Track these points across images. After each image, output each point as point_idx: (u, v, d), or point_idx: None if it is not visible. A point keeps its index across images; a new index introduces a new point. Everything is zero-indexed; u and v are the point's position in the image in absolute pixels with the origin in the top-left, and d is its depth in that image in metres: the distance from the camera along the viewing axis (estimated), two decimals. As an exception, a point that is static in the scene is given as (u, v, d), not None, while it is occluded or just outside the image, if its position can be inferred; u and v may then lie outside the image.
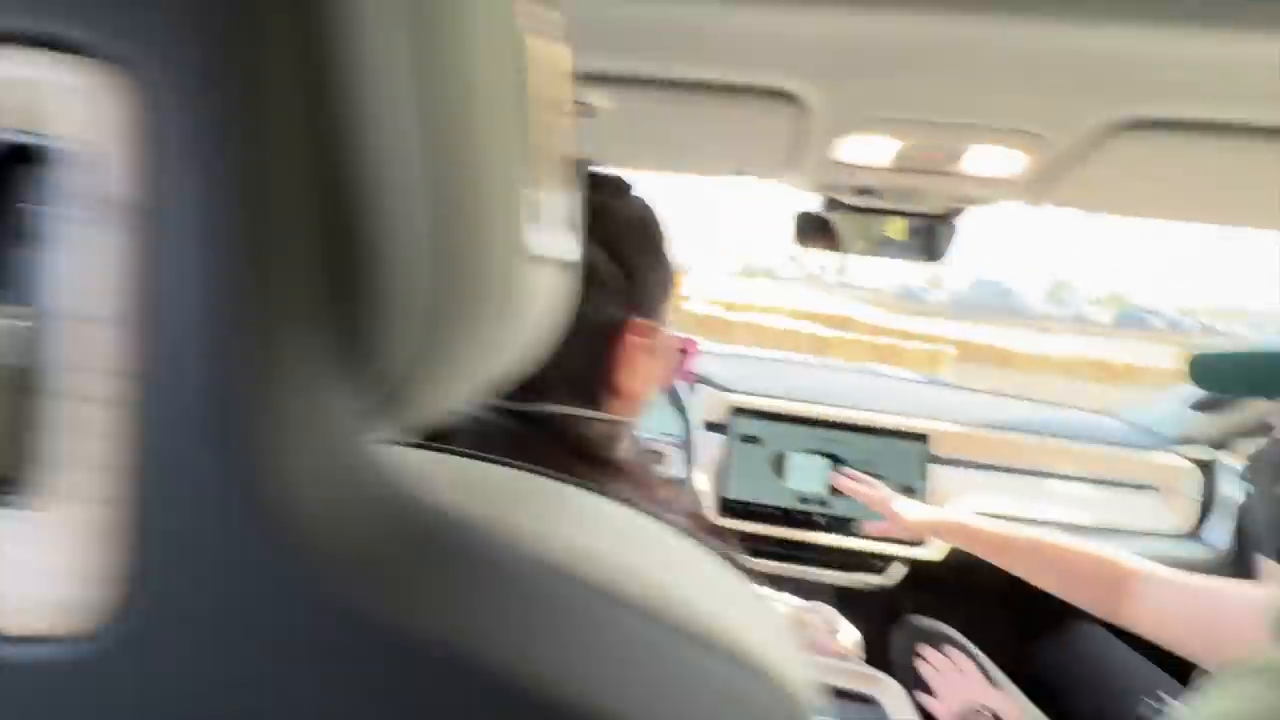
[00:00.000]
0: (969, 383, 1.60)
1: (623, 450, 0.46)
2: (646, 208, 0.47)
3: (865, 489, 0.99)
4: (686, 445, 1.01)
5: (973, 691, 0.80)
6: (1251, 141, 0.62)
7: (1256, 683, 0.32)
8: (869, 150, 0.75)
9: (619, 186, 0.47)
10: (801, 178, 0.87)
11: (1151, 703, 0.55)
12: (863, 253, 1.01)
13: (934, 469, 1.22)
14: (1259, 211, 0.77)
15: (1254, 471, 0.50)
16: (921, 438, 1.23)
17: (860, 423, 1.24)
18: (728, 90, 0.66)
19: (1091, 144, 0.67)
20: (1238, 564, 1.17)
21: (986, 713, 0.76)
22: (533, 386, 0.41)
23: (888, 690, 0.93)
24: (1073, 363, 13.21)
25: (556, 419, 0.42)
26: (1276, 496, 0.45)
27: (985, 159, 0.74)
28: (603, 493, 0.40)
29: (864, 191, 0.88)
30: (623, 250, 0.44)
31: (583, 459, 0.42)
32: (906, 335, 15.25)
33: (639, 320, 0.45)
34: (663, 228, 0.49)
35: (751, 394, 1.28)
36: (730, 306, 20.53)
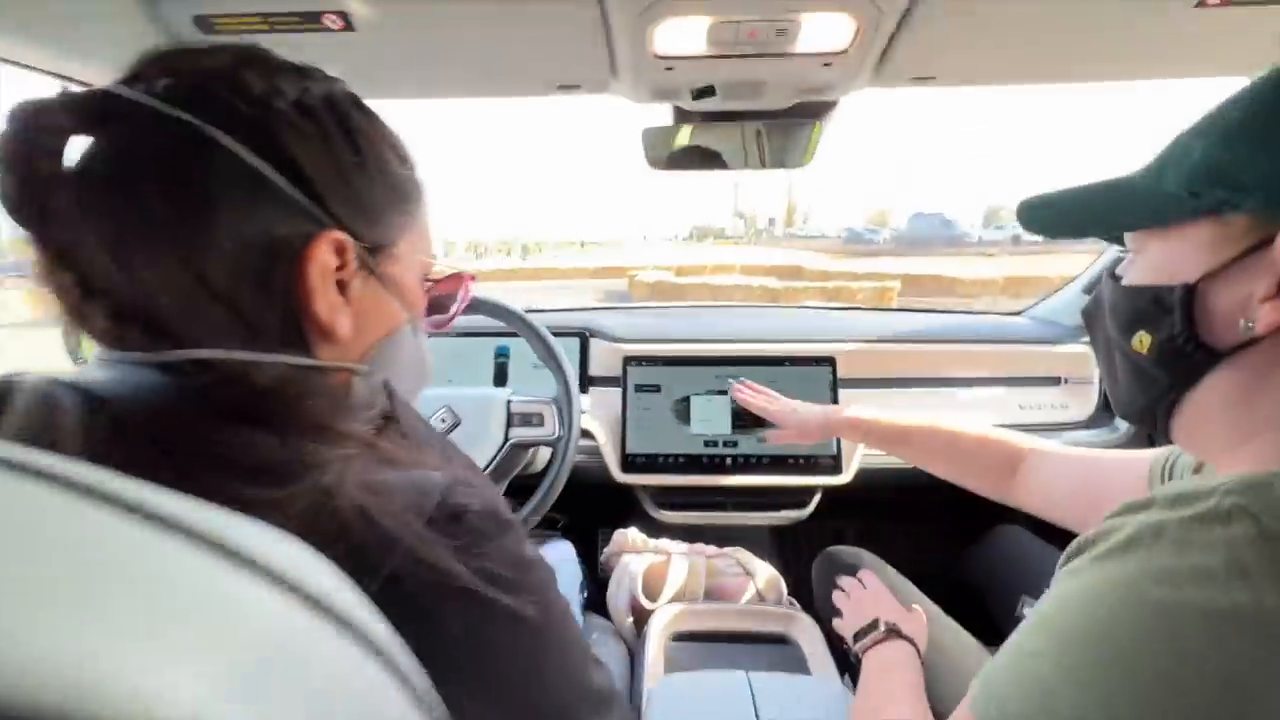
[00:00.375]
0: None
1: (347, 407, 0.36)
2: (335, 101, 0.37)
3: (764, 400, 0.95)
4: (566, 402, 0.92)
5: (876, 609, 0.75)
6: None
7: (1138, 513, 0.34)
8: (684, 36, 0.66)
9: (296, 73, 0.36)
10: (630, 86, 0.77)
11: (1031, 600, 0.51)
12: (721, 165, 0.93)
13: (844, 393, 1.17)
14: (1103, 65, 0.72)
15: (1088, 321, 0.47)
16: (829, 361, 1.17)
17: (763, 354, 1.18)
18: None
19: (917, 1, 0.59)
20: (1144, 442, 1.16)
21: (882, 625, 0.72)
22: (175, 327, 0.32)
23: (802, 628, 0.89)
24: (1011, 281, 13.69)
25: (213, 368, 0.32)
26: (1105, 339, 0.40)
27: (812, 34, 0.66)
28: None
29: (703, 93, 0.79)
30: (294, 152, 0.34)
31: (262, 419, 0.32)
32: (854, 276, 15.49)
33: (338, 237, 0.35)
34: (373, 126, 0.39)
35: (646, 340, 1.21)
36: (681, 271, 20.49)
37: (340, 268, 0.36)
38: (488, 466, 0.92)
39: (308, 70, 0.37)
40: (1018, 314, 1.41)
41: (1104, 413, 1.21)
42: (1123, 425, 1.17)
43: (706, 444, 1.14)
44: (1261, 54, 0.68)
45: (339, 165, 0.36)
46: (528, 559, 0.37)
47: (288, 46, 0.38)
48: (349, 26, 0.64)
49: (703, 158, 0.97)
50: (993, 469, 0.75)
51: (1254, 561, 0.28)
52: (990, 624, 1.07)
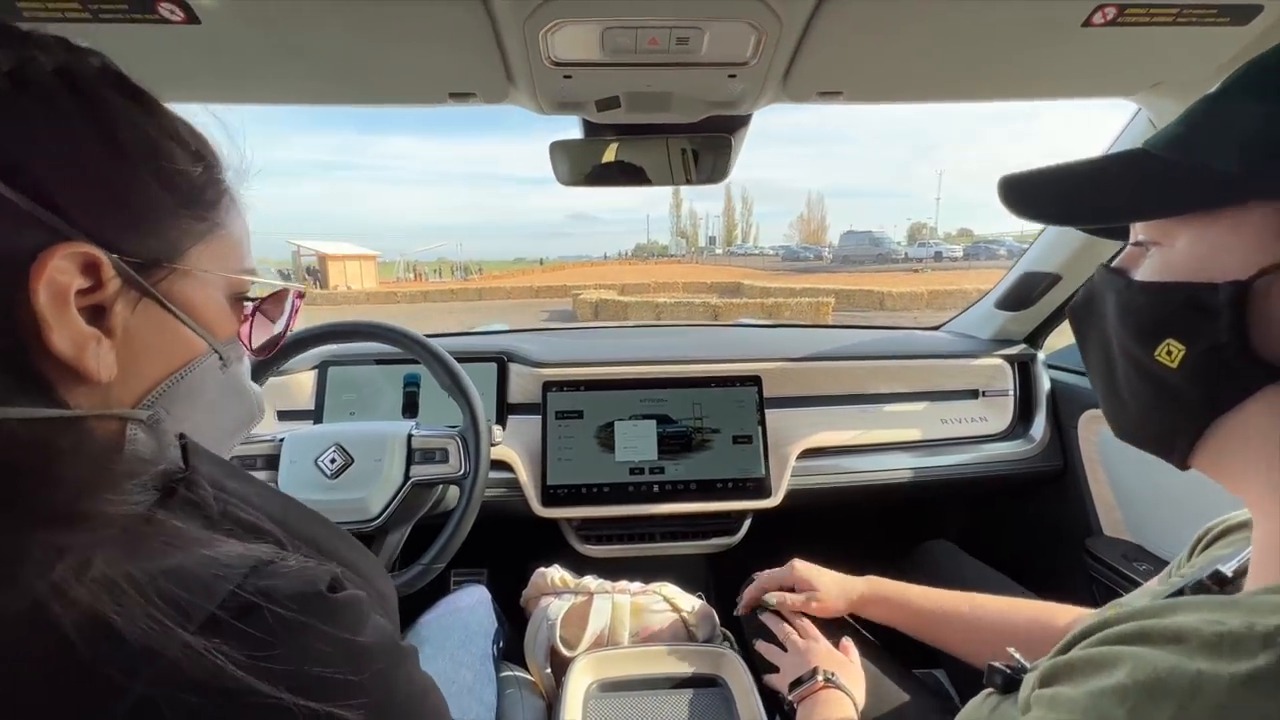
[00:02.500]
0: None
1: (114, 472, 0.28)
2: (80, 79, 0.29)
3: (793, 596, 0.84)
4: (473, 435, 0.85)
5: (819, 657, 0.72)
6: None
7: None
8: (578, 42, 0.62)
9: (26, 42, 0.29)
10: (529, 95, 0.72)
11: (1001, 666, 0.46)
12: (645, 181, 0.89)
13: (771, 413, 1.14)
14: (999, 85, 0.73)
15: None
16: (754, 380, 1.15)
17: (687, 376, 1.15)
18: None
19: (822, 9, 0.58)
20: (1056, 450, 1.19)
21: (820, 675, 0.68)
22: None
23: (732, 667, 0.84)
24: (935, 294, 14.51)
25: None
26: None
27: (715, 44, 0.63)
28: None
29: (608, 104, 0.75)
30: (6, 140, 0.26)
31: None
32: (792, 293, 16.01)
33: (84, 250, 0.28)
34: (148, 114, 0.32)
35: (566, 365, 1.15)
36: (624, 289, 20.62)
37: (92, 289, 0.28)
38: (386, 508, 0.82)
39: (46, 40, 0.29)
40: (936, 329, 1.44)
41: (1020, 424, 1.23)
42: (1038, 435, 1.20)
43: (632, 471, 1.08)
44: (1145, 73, 0.71)
45: (84, 160, 0.28)
46: (361, 647, 0.30)
47: (125, 40, 0.31)
48: (192, 19, 0.56)
49: (624, 173, 0.93)
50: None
51: None
52: (919, 644, 1.06)
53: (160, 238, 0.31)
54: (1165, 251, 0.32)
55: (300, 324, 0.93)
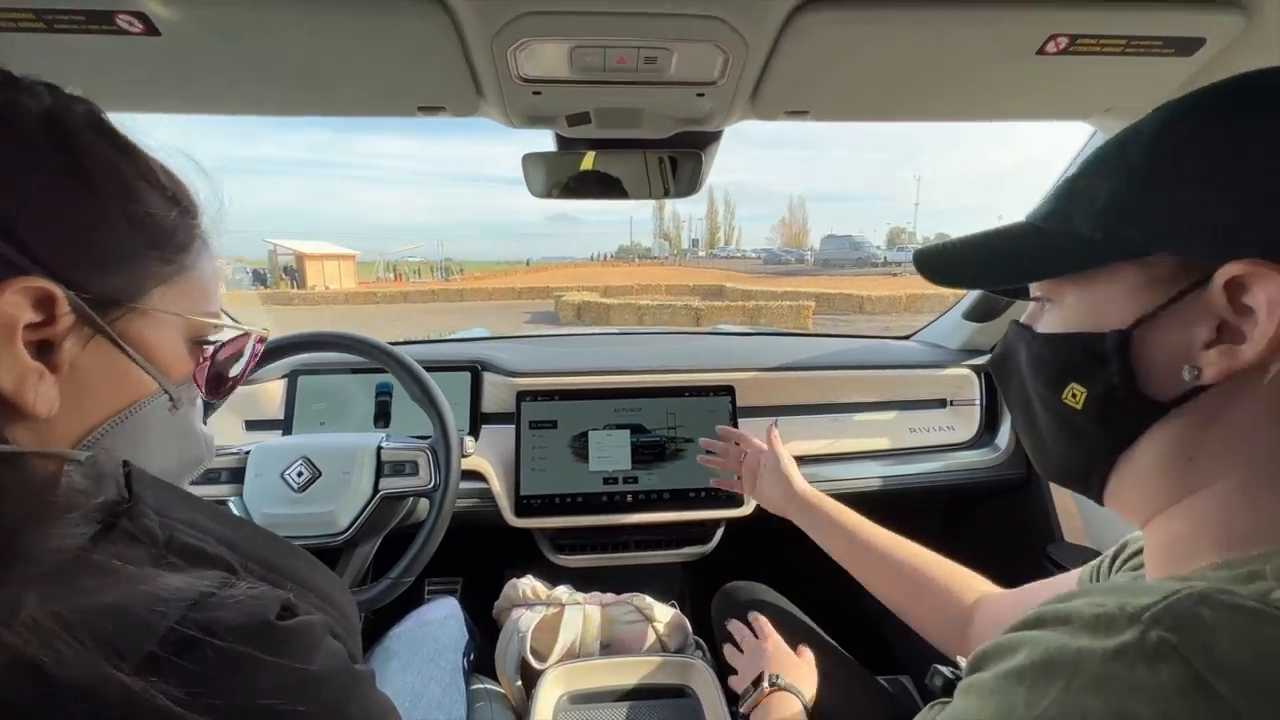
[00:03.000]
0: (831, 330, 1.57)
1: (52, 507, 0.28)
2: (57, 119, 0.30)
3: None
4: (443, 447, 0.84)
5: (762, 660, 0.73)
6: (958, 11, 0.57)
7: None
8: (546, 60, 0.62)
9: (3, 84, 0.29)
10: (499, 110, 0.73)
11: (944, 670, 0.49)
12: (622, 194, 0.90)
13: (744, 421, 1.15)
14: (958, 106, 0.75)
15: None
16: (728, 390, 1.16)
17: (661, 385, 1.15)
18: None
19: (787, 32, 0.59)
20: (1020, 459, 1.22)
21: (765, 681, 0.70)
22: None
23: (701, 677, 0.84)
24: (913, 298, 14.74)
25: None
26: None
27: (683, 64, 0.64)
28: None
29: (578, 120, 0.75)
30: None
31: None
32: (773, 296, 16.13)
33: (39, 285, 0.28)
34: (123, 155, 0.32)
35: (540, 374, 1.14)
36: (607, 292, 20.58)
37: (43, 324, 0.28)
38: (354, 522, 0.82)
39: (35, 85, 0.30)
40: (906, 338, 1.47)
41: (986, 432, 1.26)
42: (1003, 444, 1.23)
43: (606, 481, 1.08)
44: (1098, 98, 0.73)
45: (54, 197, 0.29)
46: (312, 677, 0.30)
47: (85, 51, 0.31)
48: (152, 30, 0.55)
49: (600, 184, 0.93)
50: (949, 618, 0.67)
51: None
52: (887, 650, 1.08)
53: (123, 277, 0.31)
54: (1057, 307, 0.37)
55: (275, 326, 0.92)
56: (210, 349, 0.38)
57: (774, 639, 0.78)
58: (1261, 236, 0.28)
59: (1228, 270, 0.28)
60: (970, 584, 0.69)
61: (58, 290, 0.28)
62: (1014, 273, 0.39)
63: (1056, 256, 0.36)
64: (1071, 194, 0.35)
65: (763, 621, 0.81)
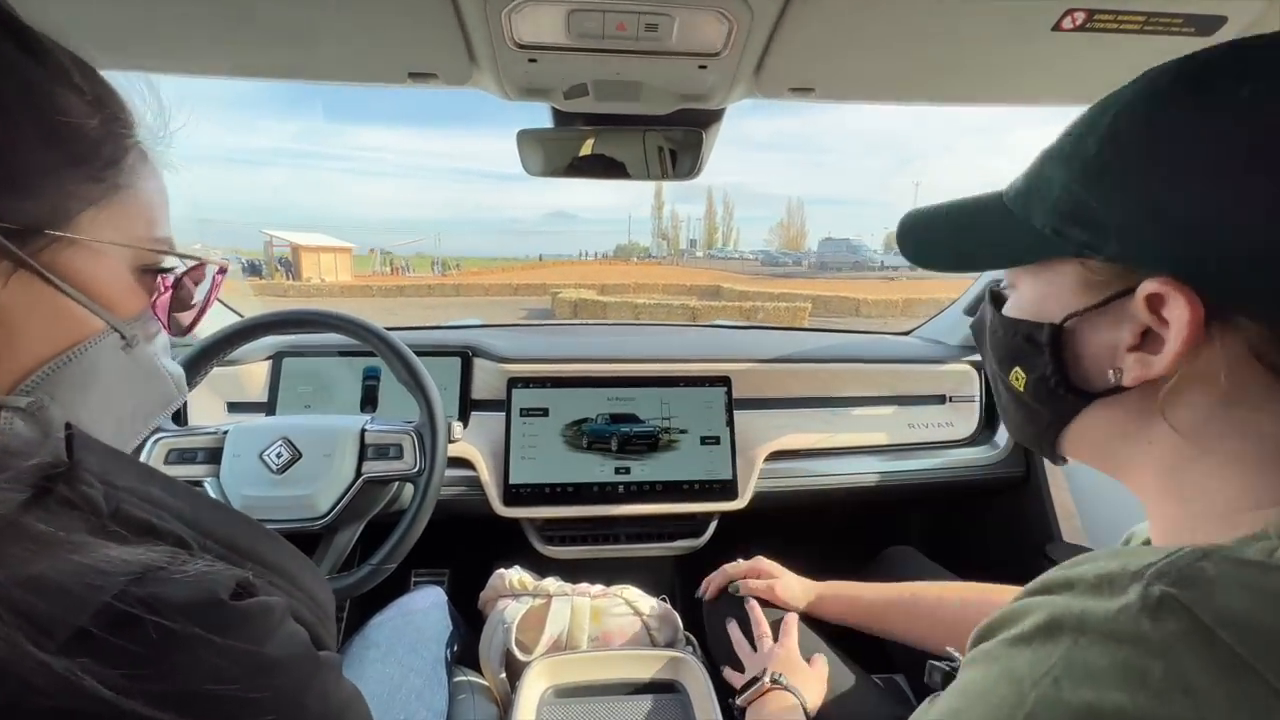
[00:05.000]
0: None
1: None
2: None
3: (755, 581, 0.88)
4: (429, 430, 0.82)
5: (777, 662, 0.71)
6: None
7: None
8: (542, 24, 0.60)
9: None
10: (493, 79, 0.70)
11: (940, 665, 0.48)
12: (604, 174, 0.87)
13: (740, 414, 1.13)
14: (969, 87, 0.73)
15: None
16: (724, 380, 1.13)
17: (656, 375, 1.13)
18: None
19: (795, 1, 0.56)
20: (1019, 457, 1.20)
21: (767, 677, 0.67)
22: None
23: (690, 673, 0.82)
24: (909, 302, 14.80)
25: None
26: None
27: (685, 32, 0.62)
28: None
29: (575, 91, 0.72)
30: None
31: None
32: (770, 297, 16.15)
33: None
34: (34, 55, 0.28)
35: (532, 360, 1.12)
36: (604, 289, 20.57)
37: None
38: (335, 506, 0.79)
39: None
40: (906, 334, 1.45)
41: (985, 430, 1.24)
42: (1002, 441, 1.21)
43: (597, 471, 1.06)
44: (1114, 81, 0.70)
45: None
46: (266, 660, 0.27)
47: (60, 3, 0.28)
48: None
49: (601, 165, 0.91)
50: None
51: (1198, 675, 0.23)
52: (879, 649, 1.06)
53: (41, 200, 0.28)
54: (1015, 291, 0.38)
55: (258, 313, 0.88)
56: (168, 277, 0.34)
57: (791, 644, 0.76)
58: (1182, 256, 0.28)
59: (1147, 286, 0.29)
60: (989, 591, 0.71)
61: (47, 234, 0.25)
62: (980, 259, 0.40)
63: (1013, 247, 0.36)
64: (1039, 175, 0.35)
65: (790, 622, 0.79)
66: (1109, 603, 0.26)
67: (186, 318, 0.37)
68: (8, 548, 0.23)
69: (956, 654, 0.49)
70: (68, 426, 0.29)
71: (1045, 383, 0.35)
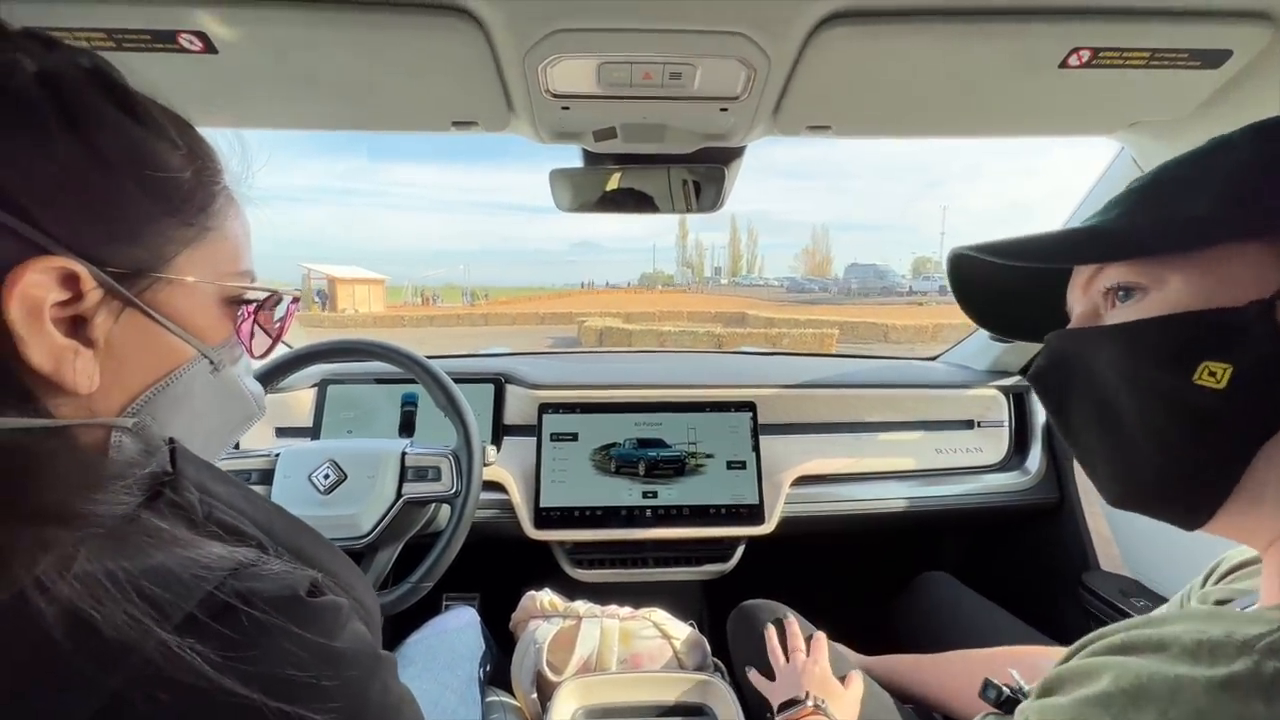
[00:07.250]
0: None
1: (100, 475, 0.29)
2: (58, 79, 0.29)
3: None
4: (466, 453, 0.85)
5: (809, 680, 0.71)
6: (979, 25, 0.58)
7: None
8: (575, 76, 0.65)
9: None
10: (529, 125, 0.75)
11: (997, 683, 0.47)
12: (632, 208, 0.92)
13: (766, 439, 1.14)
14: (981, 122, 0.75)
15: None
16: (749, 406, 1.15)
17: (683, 400, 1.15)
18: (395, 7, 0.56)
19: (809, 48, 0.60)
20: (1052, 483, 1.19)
21: (810, 700, 0.68)
22: None
23: (719, 697, 0.82)
24: (939, 327, 14.54)
25: None
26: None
27: (707, 79, 0.66)
28: None
29: (605, 134, 0.78)
30: None
31: None
32: (796, 324, 16.06)
33: (60, 264, 0.28)
34: (135, 114, 0.31)
35: (562, 386, 1.16)
36: (629, 318, 20.72)
37: (71, 300, 0.28)
38: (377, 526, 0.83)
39: (31, 40, 0.29)
40: (933, 359, 1.45)
41: (1015, 455, 1.23)
42: (1034, 467, 1.19)
43: (625, 495, 1.08)
44: (1123, 112, 0.73)
45: (62, 169, 0.28)
46: (336, 652, 0.30)
47: (148, 68, 0.32)
48: (210, 48, 0.59)
49: (630, 199, 0.96)
50: None
51: None
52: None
53: (144, 246, 0.31)
54: (1159, 292, 0.33)
55: (305, 344, 0.94)
56: (249, 307, 0.38)
57: (825, 662, 0.76)
58: None
59: None
60: (1044, 655, 0.68)
61: (80, 267, 0.28)
62: (1105, 251, 0.35)
63: (1158, 235, 0.32)
64: (1156, 188, 0.34)
65: (820, 641, 0.80)
66: (1208, 671, 0.24)
67: (264, 342, 0.42)
68: (132, 542, 0.27)
69: (1017, 676, 0.48)
70: (169, 441, 0.33)
71: (1263, 367, 0.29)
